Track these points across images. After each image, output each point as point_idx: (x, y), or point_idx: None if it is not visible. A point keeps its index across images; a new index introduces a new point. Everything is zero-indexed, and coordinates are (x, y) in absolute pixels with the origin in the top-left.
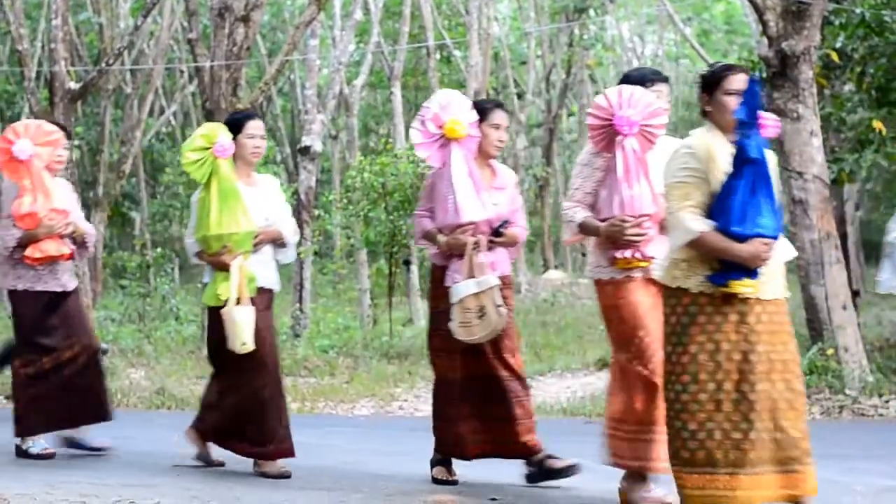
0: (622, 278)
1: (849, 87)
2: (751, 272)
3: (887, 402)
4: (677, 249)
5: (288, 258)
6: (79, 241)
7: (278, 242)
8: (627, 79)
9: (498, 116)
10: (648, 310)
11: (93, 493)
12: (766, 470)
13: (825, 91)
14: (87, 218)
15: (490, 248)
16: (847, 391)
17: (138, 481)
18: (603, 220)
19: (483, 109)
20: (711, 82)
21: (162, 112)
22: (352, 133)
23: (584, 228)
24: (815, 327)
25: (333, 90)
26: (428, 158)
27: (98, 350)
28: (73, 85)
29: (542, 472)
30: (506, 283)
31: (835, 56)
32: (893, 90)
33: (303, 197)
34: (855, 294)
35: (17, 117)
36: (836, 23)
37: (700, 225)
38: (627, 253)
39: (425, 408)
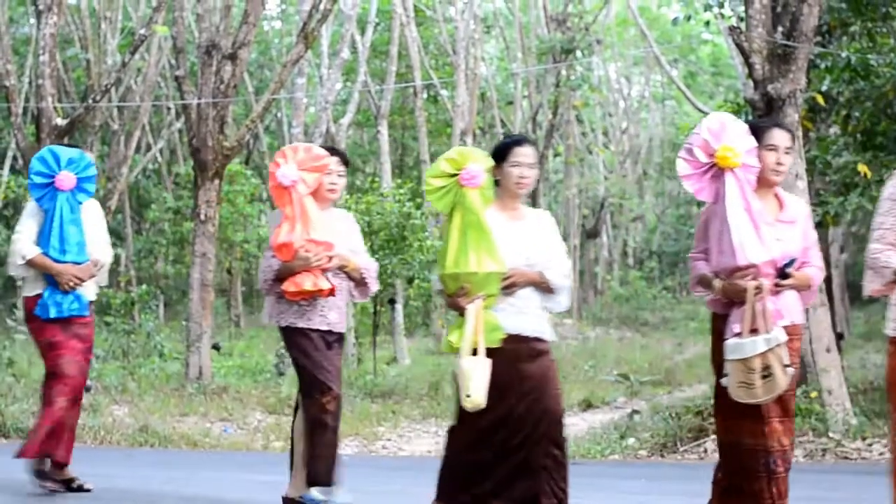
0: None
1: (834, 130)
2: None
3: (870, 445)
4: None
5: (558, 306)
6: (355, 279)
7: (543, 287)
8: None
9: (777, 137)
10: None
11: None
12: None
13: (811, 134)
14: None
15: (776, 293)
16: (830, 434)
17: None
18: None
19: (758, 129)
20: None
21: (149, 149)
22: None
23: None
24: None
25: (320, 128)
26: (698, 192)
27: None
28: (60, 121)
29: None
30: (794, 334)
31: (820, 99)
32: (879, 134)
33: None
34: (839, 337)
35: (2, 153)
36: (822, 66)
37: None
38: None
39: (408, 447)
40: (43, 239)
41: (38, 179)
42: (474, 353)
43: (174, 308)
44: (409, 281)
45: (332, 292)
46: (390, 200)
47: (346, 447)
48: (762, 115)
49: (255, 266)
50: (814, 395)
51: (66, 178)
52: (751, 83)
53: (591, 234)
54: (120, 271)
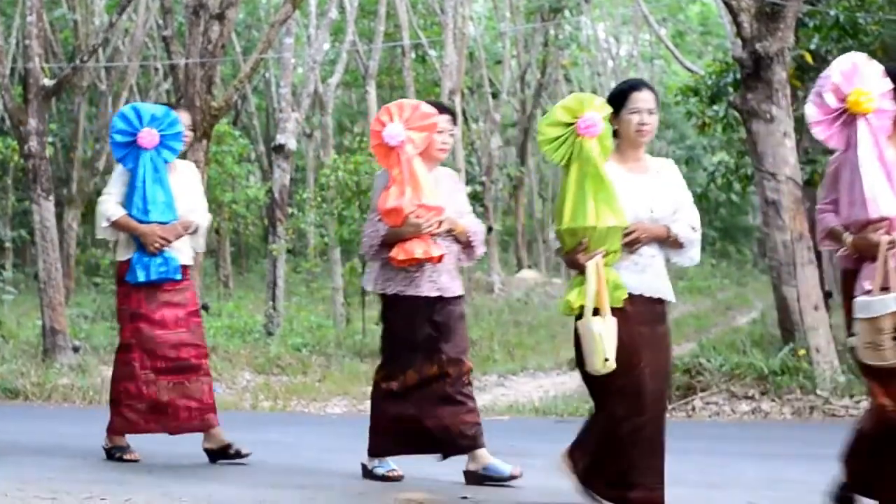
0: None
1: None
2: None
3: (858, 402)
4: None
5: (688, 261)
6: (462, 241)
7: (669, 241)
8: None
9: None
10: None
11: (64, 490)
12: None
13: (799, 92)
14: (59, 216)
15: None
16: (818, 392)
17: (109, 478)
18: None
19: (893, 73)
20: None
21: None
22: (326, 131)
23: None
24: (786, 328)
25: (308, 89)
26: (827, 139)
27: (468, 371)
28: (48, 82)
29: None
30: None
31: (809, 58)
32: None
33: (276, 195)
34: (827, 295)
35: None
36: (811, 24)
37: None
38: None
39: None
40: (127, 199)
41: (119, 138)
42: (595, 313)
43: None
44: None
45: (441, 259)
46: None
47: (335, 406)
48: (750, 74)
49: (244, 226)
50: (802, 352)
51: (148, 136)
52: (739, 42)
53: None
54: None
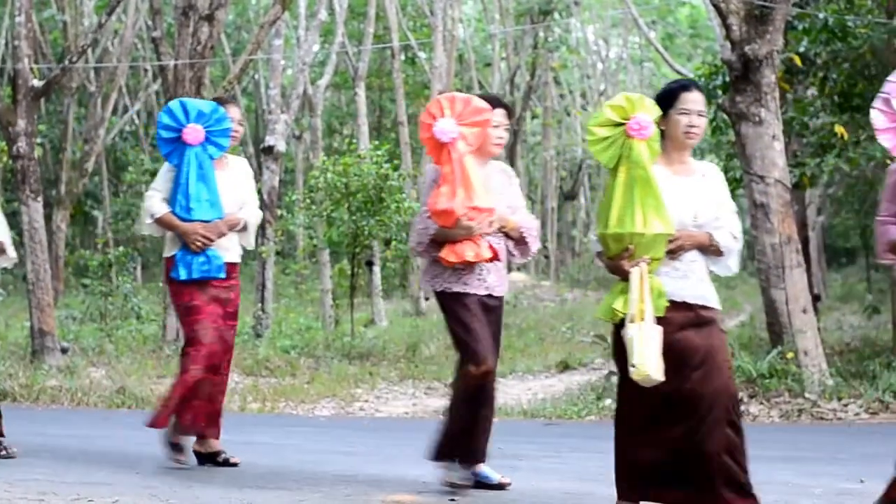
0: None
1: (811, 91)
2: None
3: (846, 405)
4: None
5: (726, 270)
6: (515, 237)
7: (711, 249)
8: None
9: None
10: None
11: (51, 491)
12: None
13: (788, 95)
14: (48, 217)
15: None
16: (806, 395)
17: (97, 479)
18: None
19: None
20: None
21: (125, 111)
22: (315, 133)
23: None
24: (775, 331)
25: (297, 90)
26: (893, 148)
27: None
28: (37, 82)
29: None
30: None
31: (798, 60)
32: (856, 95)
33: (265, 197)
34: (815, 298)
35: None
36: (800, 27)
37: None
38: None
39: (385, 408)
40: (172, 196)
41: (164, 134)
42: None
43: (151, 270)
44: (387, 242)
45: (494, 258)
46: (368, 162)
47: (323, 408)
48: (739, 77)
49: None
50: (790, 355)
51: (193, 132)
52: (728, 44)
53: (568, 196)
54: (97, 233)
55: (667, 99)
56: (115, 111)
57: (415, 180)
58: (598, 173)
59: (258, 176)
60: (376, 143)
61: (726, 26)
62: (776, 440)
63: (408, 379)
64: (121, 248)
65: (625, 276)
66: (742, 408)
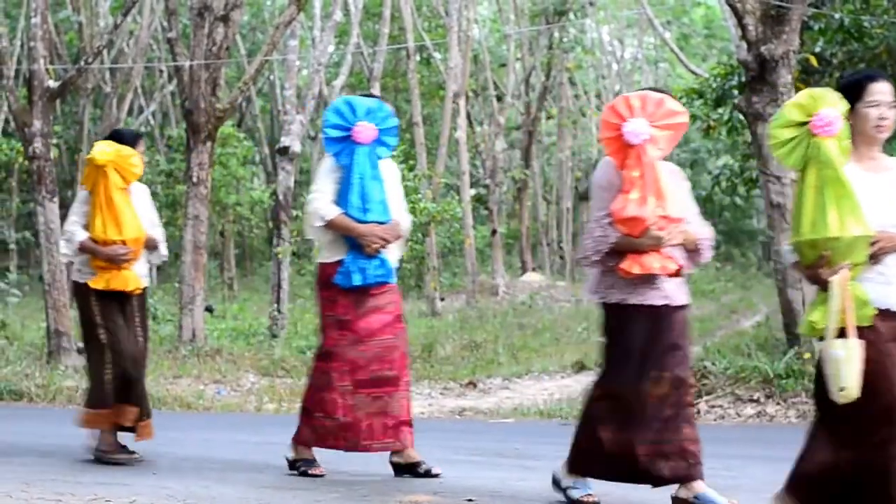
0: None
1: None
2: None
3: None
4: None
5: None
6: (690, 247)
7: None
8: None
9: None
10: None
11: (69, 492)
12: None
13: None
14: (63, 218)
15: None
16: None
17: (114, 480)
18: None
19: None
20: None
21: (141, 111)
22: None
23: None
24: (791, 331)
25: (313, 91)
26: None
27: (692, 391)
28: (52, 83)
29: None
30: None
31: (814, 61)
32: None
33: (281, 197)
34: None
35: None
36: (816, 28)
37: None
38: None
39: None
40: (342, 198)
41: (332, 133)
42: (841, 334)
43: (167, 271)
44: None
45: (678, 271)
46: None
47: None
48: (756, 77)
49: (248, 228)
50: (807, 356)
51: (364, 130)
52: (744, 45)
53: (584, 197)
54: None
55: (853, 91)
56: (130, 112)
57: (430, 181)
58: None
59: (274, 176)
60: None
61: (742, 26)
62: (793, 441)
63: (423, 379)
64: None
65: (824, 286)
66: (759, 408)
